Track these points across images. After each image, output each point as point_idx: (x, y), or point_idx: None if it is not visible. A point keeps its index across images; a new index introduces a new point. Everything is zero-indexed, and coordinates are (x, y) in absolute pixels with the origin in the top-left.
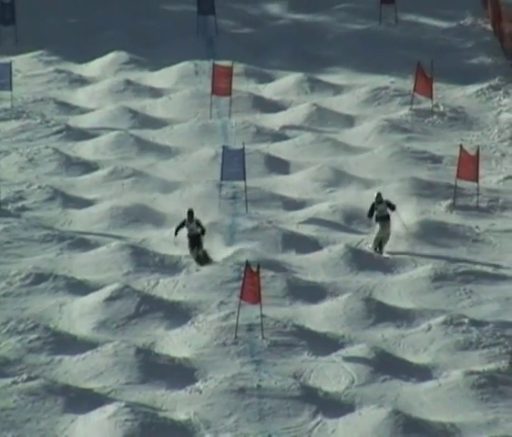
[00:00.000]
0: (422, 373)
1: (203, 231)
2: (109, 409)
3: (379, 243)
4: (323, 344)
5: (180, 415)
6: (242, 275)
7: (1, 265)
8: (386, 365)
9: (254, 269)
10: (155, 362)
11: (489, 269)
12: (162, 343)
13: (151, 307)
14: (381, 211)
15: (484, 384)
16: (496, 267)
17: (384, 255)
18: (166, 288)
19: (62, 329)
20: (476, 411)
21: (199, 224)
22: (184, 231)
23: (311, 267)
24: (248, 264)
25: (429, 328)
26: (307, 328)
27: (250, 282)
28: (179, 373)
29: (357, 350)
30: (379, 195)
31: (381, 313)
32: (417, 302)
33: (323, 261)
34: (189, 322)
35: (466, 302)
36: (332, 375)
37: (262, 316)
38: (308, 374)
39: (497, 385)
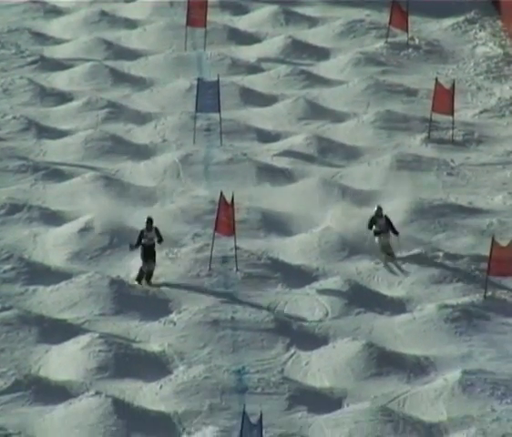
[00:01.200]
0: (396, 306)
1: (160, 240)
2: (83, 339)
3: (387, 250)
4: (297, 277)
5: (154, 346)
6: (216, 207)
7: None
8: (360, 298)
9: (228, 202)
10: (129, 294)
11: (464, 203)
12: (136, 274)
13: (125, 238)
14: (380, 227)
15: (458, 318)
16: (471, 201)
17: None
18: (140, 220)
19: (36, 259)
20: (450, 344)
21: (157, 232)
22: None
23: (285, 199)
24: (222, 196)
25: (404, 261)
26: (281, 260)
27: (224, 215)
28: (153, 305)
29: (331, 282)
30: (379, 209)
31: (355, 246)
32: (392, 235)
33: (298, 194)
34: (164, 254)
35: (441, 236)
36: (306, 308)
37: (237, 248)
38: (282, 307)
39: (471, 319)
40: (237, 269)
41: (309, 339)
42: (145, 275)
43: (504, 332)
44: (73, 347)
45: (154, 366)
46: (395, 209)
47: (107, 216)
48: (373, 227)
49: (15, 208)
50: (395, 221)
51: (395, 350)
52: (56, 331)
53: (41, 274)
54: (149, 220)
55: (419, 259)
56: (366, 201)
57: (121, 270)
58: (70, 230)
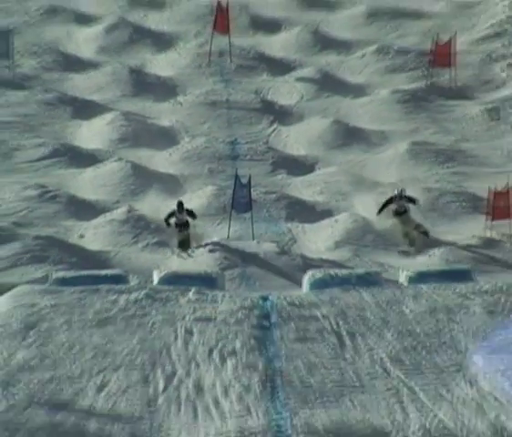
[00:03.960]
0: (358, 91)
1: (194, 218)
2: (108, 116)
3: (410, 240)
4: (279, 67)
5: (165, 122)
6: (215, 11)
7: (21, 2)
8: (329, 85)
9: (224, 7)
10: (144, 80)
11: (414, 6)
12: (151, 65)
13: (142, 36)
14: (400, 206)
15: (407, 100)
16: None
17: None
18: (154, 20)
19: (71, 52)
20: (400, 121)
21: (190, 213)
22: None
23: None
24: (219, 4)
25: (363, 55)
26: (267, 54)
27: (221, 16)
28: (164, 89)
29: (306, 72)
30: (402, 190)
31: (325, 43)
32: (354, 34)
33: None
34: (172, 49)
35: (394, 34)
36: (285, 92)
37: (231, 44)
38: (266, 91)
39: (418, 101)
40: (231, 61)
41: (288, 117)
42: (179, 244)
43: (443, 112)
44: (100, 122)
45: (165, 138)
46: (353, 14)
47: (126, 17)
48: (393, 206)
49: (54, 12)
50: (356, 22)
51: (357, 126)
52: (87, 110)
53: (75, 64)
54: (180, 204)
55: (376, 54)
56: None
57: (138, 61)
58: (98, 29)
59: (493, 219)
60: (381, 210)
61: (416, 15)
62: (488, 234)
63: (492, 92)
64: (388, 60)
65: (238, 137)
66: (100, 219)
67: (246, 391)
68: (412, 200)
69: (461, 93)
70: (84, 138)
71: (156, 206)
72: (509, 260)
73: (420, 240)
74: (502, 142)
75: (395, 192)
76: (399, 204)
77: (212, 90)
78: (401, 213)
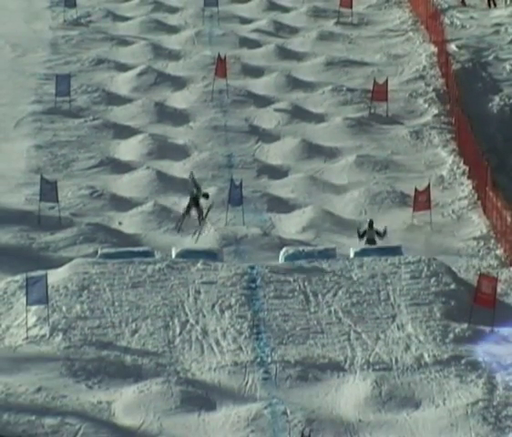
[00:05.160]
0: (319, 119)
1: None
2: (139, 137)
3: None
4: (262, 101)
5: (180, 141)
6: (216, 61)
7: (77, 54)
8: (298, 114)
9: (223, 58)
10: (165, 111)
11: (359, 57)
12: (170, 100)
13: (164, 79)
14: (370, 235)
15: (354, 125)
16: (362, 58)
17: None
18: (172, 68)
19: (113, 91)
20: (349, 140)
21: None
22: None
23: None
24: (219, 56)
25: (323, 92)
26: (253, 92)
27: (220, 65)
28: (179, 117)
29: (282, 104)
30: (371, 222)
31: (295, 84)
32: (316, 77)
33: None
34: (185, 88)
35: (345, 77)
36: (267, 119)
37: (227, 85)
38: (253, 118)
39: (362, 125)
40: (227, 97)
41: (269, 137)
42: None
43: (381, 133)
44: (133, 141)
45: (180, 152)
46: (314, 63)
47: (152, 65)
48: (365, 237)
49: (100, 62)
50: (318, 69)
51: (318, 143)
52: (124, 132)
53: (115, 99)
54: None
55: (332, 91)
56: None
57: (161, 97)
58: (132, 74)
59: (417, 211)
60: (361, 237)
61: (361, 64)
62: (414, 221)
63: (416, 119)
64: (341, 96)
65: (233, 152)
66: (134, 211)
67: (239, 334)
68: (379, 234)
69: (393, 119)
70: (122, 153)
71: (174, 201)
72: (428, 240)
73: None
74: (423, 155)
75: (367, 222)
76: (370, 233)
77: (214, 118)
78: (371, 241)
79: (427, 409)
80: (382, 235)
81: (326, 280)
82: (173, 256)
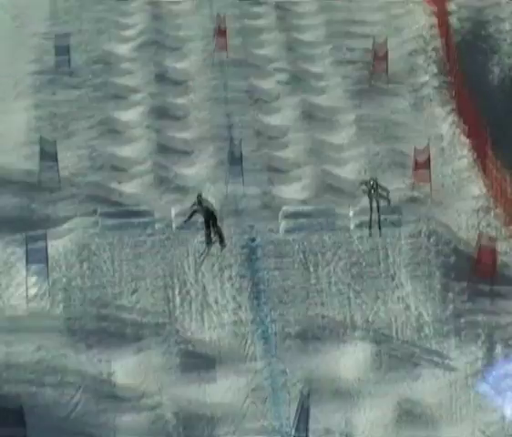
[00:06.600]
0: (318, 77)
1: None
2: (138, 97)
3: None
4: (263, 61)
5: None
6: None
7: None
8: (298, 75)
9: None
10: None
11: None
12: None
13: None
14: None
15: (355, 84)
16: None
17: None
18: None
19: (113, 51)
20: (348, 100)
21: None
22: None
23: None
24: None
25: (322, 52)
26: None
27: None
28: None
29: (281, 65)
30: (376, 183)
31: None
32: (317, 38)
33: None
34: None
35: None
36: (267, 82)
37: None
38: (253, 81)
39: (362, 84)
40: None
41: (268, 97)
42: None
43: (381, 94)
44: (134, 99)
45: (180, 113)
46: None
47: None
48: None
49: None
50: None
51: (318, 103)
52: (124, 92)
53: (114, 60)
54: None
55: (332, 51)
56: None
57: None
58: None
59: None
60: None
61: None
62: (413, 182)
63: (415, 78)
64: (341, 55)
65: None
66: (133, 170)
67: (238, 293)
68: (383, 197)
69: (393, 80)
70: (121, 114)
71: (173, 161)
72: (428, 213)
73: None
74: (422, 115)
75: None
76: (374, 195)
77: (215, 78)
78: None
79: (426, 368)
80: (386, 198)
81: (325, 240)
82: (172, 215)
